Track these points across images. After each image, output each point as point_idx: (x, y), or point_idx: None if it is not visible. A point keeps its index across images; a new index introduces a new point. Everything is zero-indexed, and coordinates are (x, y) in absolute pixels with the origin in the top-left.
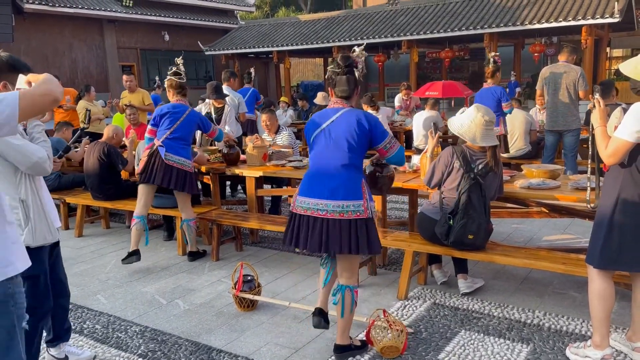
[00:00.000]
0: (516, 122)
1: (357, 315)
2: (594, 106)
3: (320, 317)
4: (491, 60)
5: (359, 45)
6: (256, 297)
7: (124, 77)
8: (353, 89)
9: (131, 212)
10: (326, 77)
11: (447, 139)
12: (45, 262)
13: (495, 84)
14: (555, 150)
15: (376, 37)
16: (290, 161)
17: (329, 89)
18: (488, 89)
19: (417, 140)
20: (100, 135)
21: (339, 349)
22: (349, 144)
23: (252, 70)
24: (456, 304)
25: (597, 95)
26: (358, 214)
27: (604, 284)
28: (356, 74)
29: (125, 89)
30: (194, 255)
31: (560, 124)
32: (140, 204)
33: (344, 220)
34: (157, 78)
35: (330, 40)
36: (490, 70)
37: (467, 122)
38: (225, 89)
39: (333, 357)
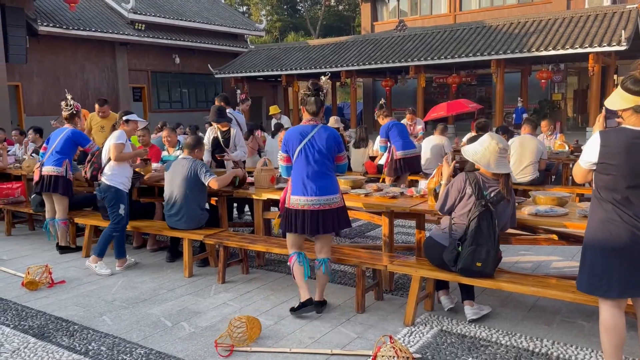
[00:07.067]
0: (527, 149)
1: (363, 342)
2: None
3: (313, 306)
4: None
5: (325, 74)
6: (253, 349)
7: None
8: (319, 108)
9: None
10: (299, 98)
11: (455, 165)
12: None
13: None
14: None
15: (384, 62)
16: None
17: (301, 107)
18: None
19: (425, 165)
20: None
21: (321, 304)
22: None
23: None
24: (463, 331)
25: (603, 111)
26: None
27: (614, 317)
28: (321, 96)
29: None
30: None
31: None
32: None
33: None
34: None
35: (339, 65)
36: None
37: (481, 149)
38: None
39: None
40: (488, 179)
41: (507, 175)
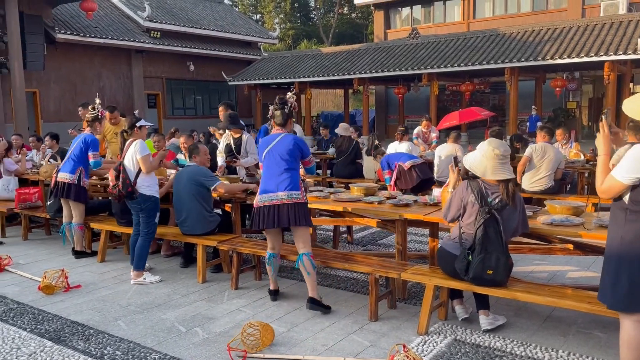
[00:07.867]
0: (547, 159)
1: (377, 350)
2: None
3: (276, 295)
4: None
5: (291, 90)
6: (266, 356)
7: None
8: (286, 120)
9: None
10: (269, 114)
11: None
12: None
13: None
14: None
15: (397, 69)
16: (311, 191)
17: (271, 120)
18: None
19: (438, 173)
20: None
21: (312, 301)
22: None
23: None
24: (477, 341)
25: (603, 119)
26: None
27: (635, 331)
28: (286, 109)
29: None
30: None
31: None
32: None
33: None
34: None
35: (351, 72)
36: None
37: (479, 156)
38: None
39: None
40: (491, 186)
41: (508, 181)
